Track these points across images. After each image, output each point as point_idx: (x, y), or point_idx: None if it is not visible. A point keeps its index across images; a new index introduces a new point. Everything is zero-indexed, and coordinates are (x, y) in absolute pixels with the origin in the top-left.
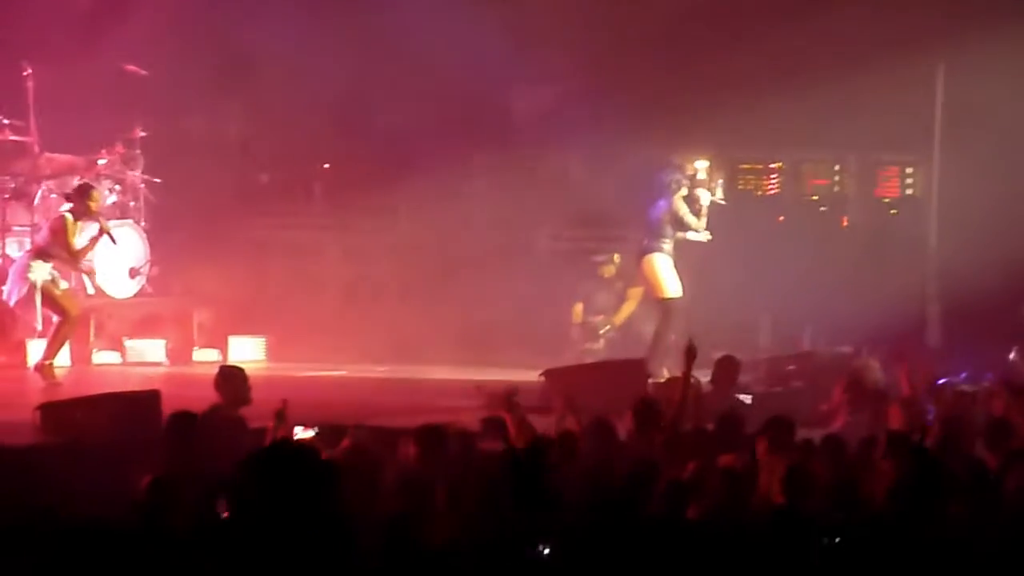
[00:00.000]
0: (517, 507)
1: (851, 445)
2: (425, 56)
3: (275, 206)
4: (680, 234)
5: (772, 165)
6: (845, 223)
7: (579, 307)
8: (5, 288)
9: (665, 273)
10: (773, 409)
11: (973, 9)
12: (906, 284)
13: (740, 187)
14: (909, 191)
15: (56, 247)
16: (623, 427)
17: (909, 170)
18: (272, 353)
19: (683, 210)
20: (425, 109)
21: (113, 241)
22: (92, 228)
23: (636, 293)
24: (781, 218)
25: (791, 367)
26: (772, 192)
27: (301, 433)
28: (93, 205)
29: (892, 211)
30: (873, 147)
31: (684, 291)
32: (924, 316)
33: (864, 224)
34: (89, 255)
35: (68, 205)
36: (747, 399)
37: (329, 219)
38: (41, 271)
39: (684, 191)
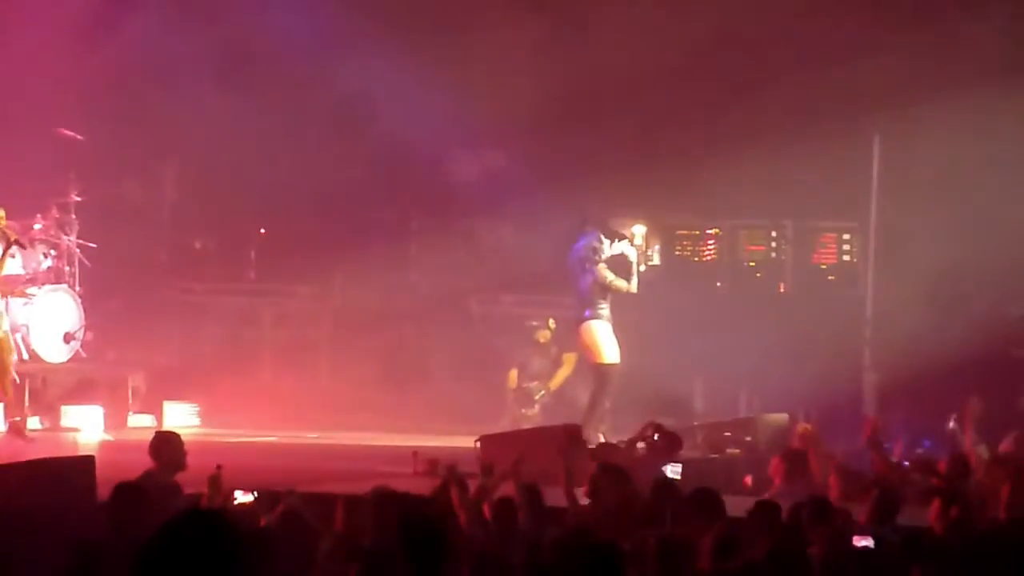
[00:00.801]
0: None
1: (783, 511)
2: (361, 120)
3: (210, 271)
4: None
5: (709, 231)
6: (782, 289)
7: (514, 372)
8: None
9: (603, 339)
10: (710, 476)
11: (908, 79)
12: (843, 351)
13: (677, 253)
14: (846, 257)
15: None
16: (559, 493)
17: (846, 236)
18: (206, 419)
19: (608, 277)
20: (361, 174)
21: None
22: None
23: (571, 358)
24: (718, 284)
25: (727, 433)
26: (709, 258)
27: (241, 498)
28: None
29: (829, 277)
30: (810, 214)
31: (620, 357)
32: (860, 383)
33: (801, 290)
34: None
35: None
36: (676, 471)
37: (264, 284)
38: None
39: (606, 253)
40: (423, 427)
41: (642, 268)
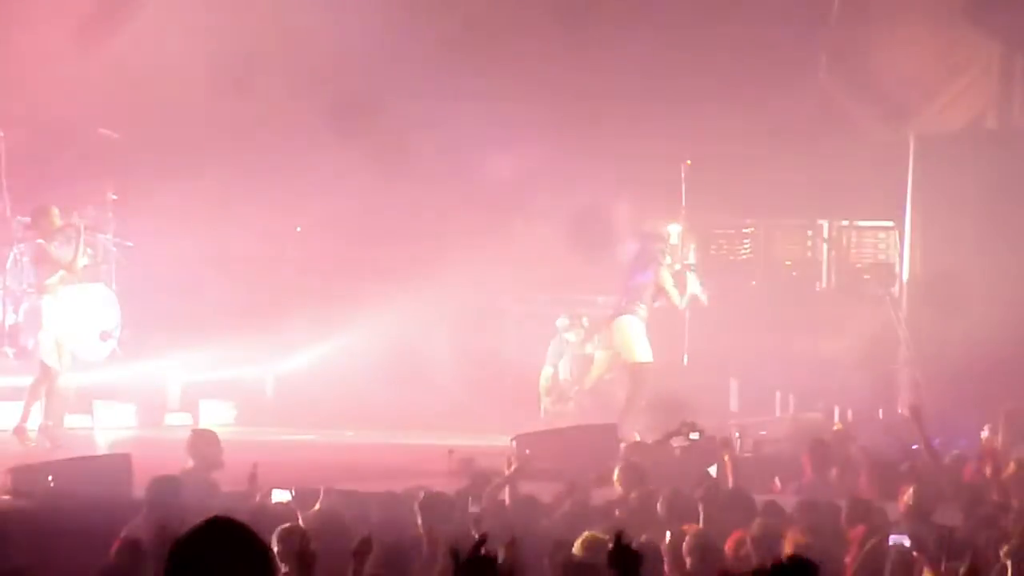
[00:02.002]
0: None
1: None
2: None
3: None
4: (657, 303)
5: (745, 230)
6: (818, 288)
7: (548, 371)
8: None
9: (637, 338)
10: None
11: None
12: (877, 350)
13: (713, 252)
14: (882, 256)
15: (47, 274)
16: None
17: (882, 235)
18: (242, 417)
19: (668, 283)
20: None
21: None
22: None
23: (605, 357)
24: (753, 283)
25: (762, 433)
26: (744, 257)
27: (278, 495)
28: (55, 220)
29: (864, 276)
30: (846, 213)
31: (655, 357)
32: (895, 383)
33: (837, 289)
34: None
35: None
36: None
37: (302, 282)
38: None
39: (669, 261)
40: (459, 425)
41: (703, 297)
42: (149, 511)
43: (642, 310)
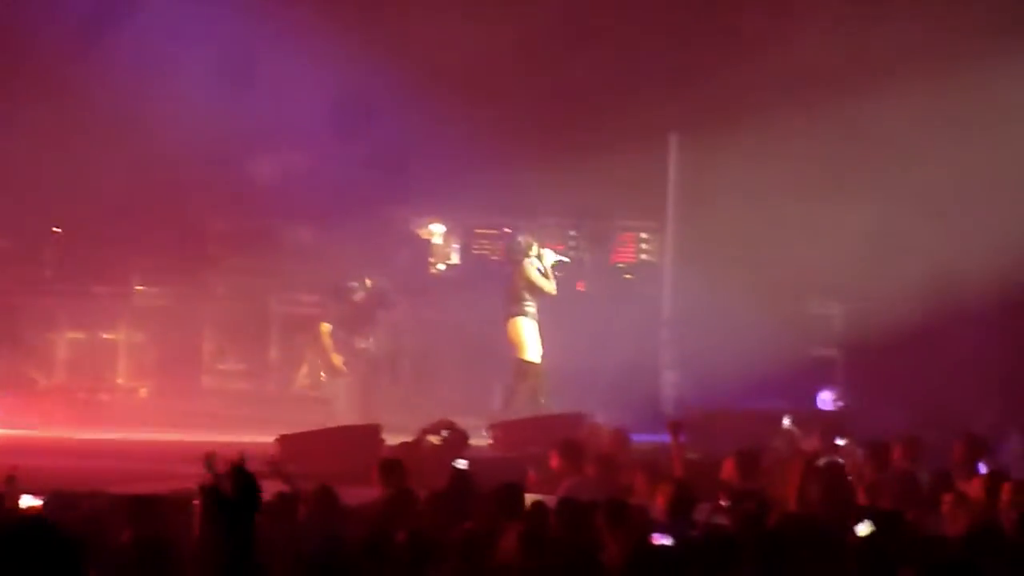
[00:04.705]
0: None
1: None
2: (159, 122)
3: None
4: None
5: (507, 231)
6: (581, 287)
7: (326, 326)
8: None
9: (527, 336)
10: (507, 474)
11: (702, 80)
12: (640, 350)
13: (475, 251)
14: (644, 256)
15: None
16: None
17: (644, 235)
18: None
19: (535, 276)
20: (159, 175)
21: None
22: None
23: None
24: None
25: (526, 431)
26: None
27: (29, 501)
28: None
29: (627, 276)
30: (609, 213)
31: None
32: (658, 382)
33: (599, 289)
34: None
35: None
36: (463, 464)
37: (60, 284)
38: None
39: (533, 254)
40: (221, 425)
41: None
42: None
43: (530, 308)
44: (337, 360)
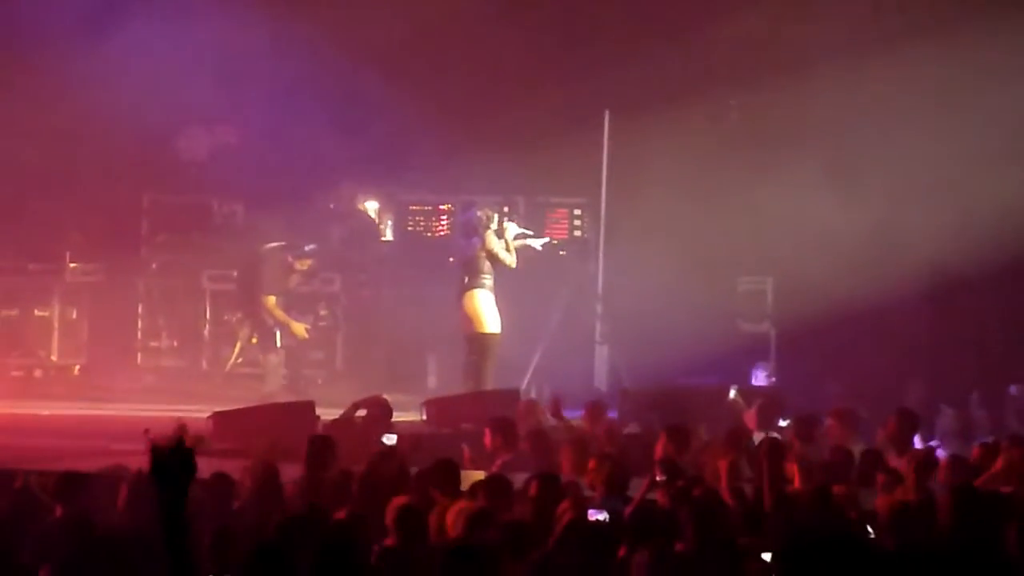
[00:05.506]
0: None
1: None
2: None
3: None
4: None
5: (442, 207)
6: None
7: (272, 299)
8: None
9: (485, 309)
10: (443, 450)
11: (637, 57)
12: (575, 326)
13: (410, 228)
14: (577, 232)
15: None
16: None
17: (577, 212)
18: None
19: (496, 247)
20: (91, 150)
21: None
22: None
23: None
24: (451, 259)
25: (461, 408)
26: (442, 233)
27: None
28: None
29: (561, 252)
30: (542, 190)
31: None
32: (592, 357)
33: (533, 265)
34: None
35: None
36: (391, 439)
37: None
38: None
39: (495, 226)
40: (157, 399)
41: (538, 245)
42: None
43: (487, 280)
44: (299, 328)
